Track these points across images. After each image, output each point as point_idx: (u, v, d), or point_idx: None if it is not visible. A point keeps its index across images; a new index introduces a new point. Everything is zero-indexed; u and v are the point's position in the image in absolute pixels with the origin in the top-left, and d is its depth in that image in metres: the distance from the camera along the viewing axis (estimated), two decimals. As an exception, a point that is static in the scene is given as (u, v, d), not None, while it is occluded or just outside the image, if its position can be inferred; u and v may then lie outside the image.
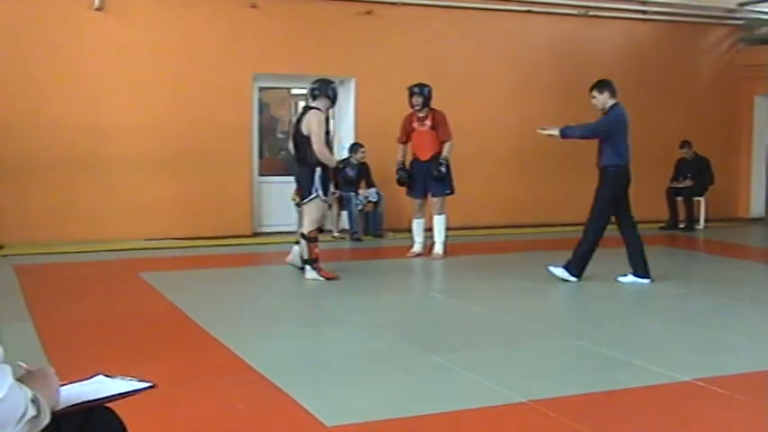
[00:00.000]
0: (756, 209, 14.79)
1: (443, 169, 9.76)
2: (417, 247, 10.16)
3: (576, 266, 8.36)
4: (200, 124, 11.23)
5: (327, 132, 8.49)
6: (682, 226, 13.03)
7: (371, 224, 11.78)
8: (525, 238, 11.99)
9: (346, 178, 11.57)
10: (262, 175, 12.01)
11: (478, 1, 12.58)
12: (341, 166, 11.65)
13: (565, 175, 13.34)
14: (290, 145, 8.53)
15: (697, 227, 13.03)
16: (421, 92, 9.87)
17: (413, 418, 4.51)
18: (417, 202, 10.15)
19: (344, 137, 12.29)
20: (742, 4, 14.65)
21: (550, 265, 8.54)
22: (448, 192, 9.99)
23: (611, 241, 11.90)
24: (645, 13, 13.84)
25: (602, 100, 8.28)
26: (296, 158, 8.40)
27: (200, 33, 11.23)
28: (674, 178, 13.11)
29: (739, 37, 14.74)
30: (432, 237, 10.06)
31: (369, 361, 5.69)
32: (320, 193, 8.22)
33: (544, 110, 13.01)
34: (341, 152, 12.05)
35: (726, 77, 14.59)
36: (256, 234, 11.69)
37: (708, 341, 6.40)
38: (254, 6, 11.33)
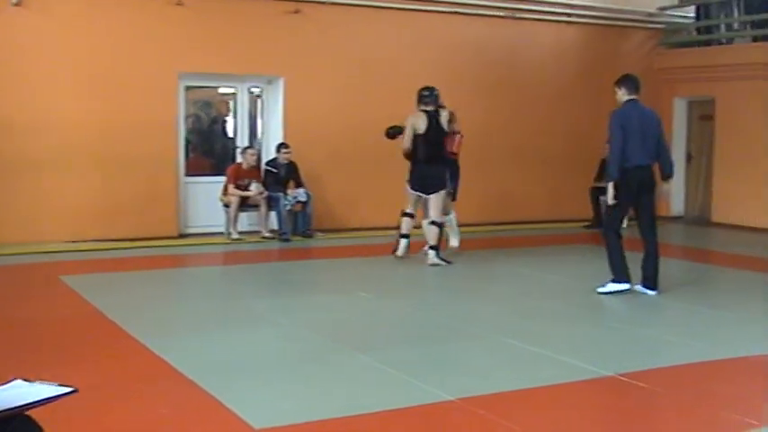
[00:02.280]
0: (676, 207, 15.16)
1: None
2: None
3: (619, 276, 7.94)
4: (124, 123, 11.00)
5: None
6: (605, 225, 13.24)
7: (300, 224, 11.70)
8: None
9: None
10: (188, 175, 11.82)
11: (407, 1, 12.62)
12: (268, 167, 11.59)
13: (491, 174, 13.48)
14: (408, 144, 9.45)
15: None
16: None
17: (342, 419, 4.49)
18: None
19: (272, 136, 12.19)
20: (662, 9, 15.03)
21: (599, 286, 8.01)
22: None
23: (536, 240, 12.05)
24: (570, 15, 14.08)
25: (619, 96, 8.06)
26: (430, 155, 9.34)
27: (124, 30, 11.00)
28: (598, 178, 13.33)
29: (659, 40, 15.11)
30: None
31: (297, 362, 5.66)
32: (449, 186, 9.52)
33: (473, 110, 13.10)
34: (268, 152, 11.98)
35: (647, 80, 14.74)
36: (183, 235, 11.50)
37: (631, 337, 6.56)
38: (179, 4, 11.16)
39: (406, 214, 9.69)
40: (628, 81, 8.04)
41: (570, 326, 6.93)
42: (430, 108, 9.45)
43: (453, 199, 10.17)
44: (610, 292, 7.88)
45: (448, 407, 4.69)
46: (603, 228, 8.08)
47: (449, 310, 7.43)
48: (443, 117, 9.48)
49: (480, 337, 6.40)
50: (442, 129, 9.43)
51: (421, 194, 9.56)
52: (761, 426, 4.48)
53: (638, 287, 7.99)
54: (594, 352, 6.00)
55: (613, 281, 7.95)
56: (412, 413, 4.62)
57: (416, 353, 5.92)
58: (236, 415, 4.47)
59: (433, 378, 5.21)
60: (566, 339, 6.40)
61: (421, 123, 9.39)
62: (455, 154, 9.87)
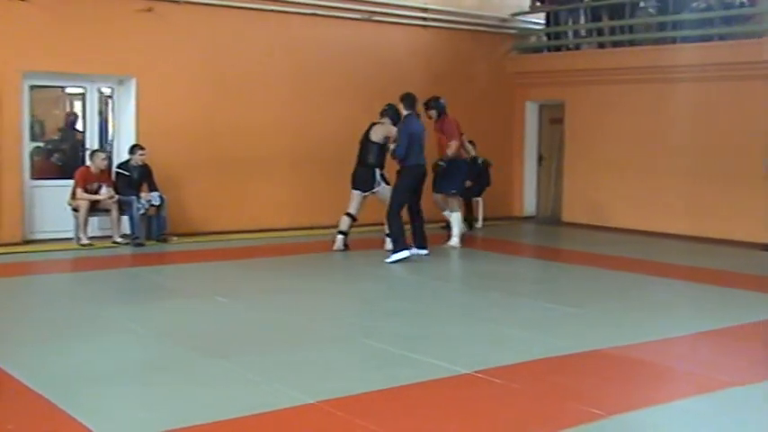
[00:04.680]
0: (528, 208, 15.69)
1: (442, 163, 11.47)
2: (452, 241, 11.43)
3: (401, 246, 9.79)
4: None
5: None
6: (462, 225, 13.54)
7: (155, 229, 11.37)
8: (307, 239, 12.01)
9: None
10: (34, 179, 11.27)
11: (265, 2, 12.49)
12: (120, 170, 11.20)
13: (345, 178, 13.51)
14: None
15: (476, 225, 13.62)
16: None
17: (201, 426, 4.40)
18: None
19: (124, 138, 11.80)
20: (514, 15, 15.49)
21: (387, 259, 9.74)
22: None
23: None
24: (425, 19, 14.31)
25: (401, 109, 10.24)
26: (360, 161, 10.75)
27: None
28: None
29: (512, 45, 15.57)
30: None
31: (152, 370, 5.50)
32: (383, 184, 10.71)
33: (330, 112, 13.14)
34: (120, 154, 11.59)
35: (500, 84, 15.35)
36: (28, 242, 10.97)
37: (485, 334, 6.72)
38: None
39: (347, 214, 10.80)
40: (406, 99, 10.17)
41: (425, 325, 7.03)
42: (380, 120, 10.75)
43: (463, 196, 12.13)
44: (395, 261, 9.65)
45: (309, 409, 4.67)
46: (389, 213, 9.89)
47: (305, 312, 7.41)
48: (375, 129, 10.65)
49: (338, 339, 6.42)
50: (367, 139, 10.65)
51: (355, 192, 10.79)
52: (607, 415, 4.67)
53: (414, 251, 9.98)
54: (449, 350, 6.10)
55: (397, 251, 9.76)
56: (273, 417, 4.57)
57: (275, 356, 5.86)
58: (87, 428, 4.30)
59: (292, 381, 5.17)
60: (421, 338, 6.49)
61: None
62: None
